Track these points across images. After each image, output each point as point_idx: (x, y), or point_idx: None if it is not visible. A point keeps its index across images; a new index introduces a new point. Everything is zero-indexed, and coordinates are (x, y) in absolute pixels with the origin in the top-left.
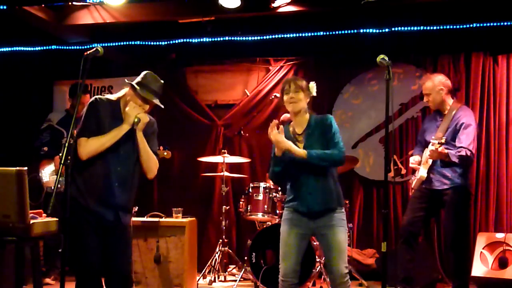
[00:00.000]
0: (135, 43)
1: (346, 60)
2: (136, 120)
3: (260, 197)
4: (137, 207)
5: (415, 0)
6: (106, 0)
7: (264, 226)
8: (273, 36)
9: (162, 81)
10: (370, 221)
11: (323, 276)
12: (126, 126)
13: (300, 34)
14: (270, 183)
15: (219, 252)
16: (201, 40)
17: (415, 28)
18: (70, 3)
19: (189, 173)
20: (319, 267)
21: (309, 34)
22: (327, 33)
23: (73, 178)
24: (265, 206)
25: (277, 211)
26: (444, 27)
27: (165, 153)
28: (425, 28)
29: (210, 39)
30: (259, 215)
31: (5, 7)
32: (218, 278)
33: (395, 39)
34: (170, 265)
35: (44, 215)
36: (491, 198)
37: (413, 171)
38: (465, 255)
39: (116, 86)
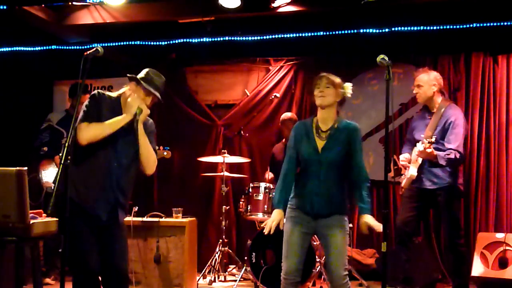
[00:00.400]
0: (135, 43)
1: (346, 60)
2: (138, 111)
3: (260, 197)
4: (137, 207)
5: (415, 0)
6: (106, 0)
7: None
8: (273, 36)
9: (164, 78)
10: None
11: (323, 276)
12: (128, 116)
13: (300, 34)
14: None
15: (219, 252)
16: (201, 40)
17: (415, 28)
18: (70, 3)
19: (189, 173)
20: (319, 267)
21: (309, 34)
22: (327, 33)
23: (73, 175)
24: (265, 206)
25: None
26: (444, 27)
27: (165, 153)
28: (425, 28)
29: (210, 39)
30: (259, 215)
31: (5, 7)
32: (218, 278)
33: (395, 39)
34: (170, 265)
35: (44, 215)
36: (491, 198)
37: (397, 170)
38: (464, 255)
39: (116, 86)
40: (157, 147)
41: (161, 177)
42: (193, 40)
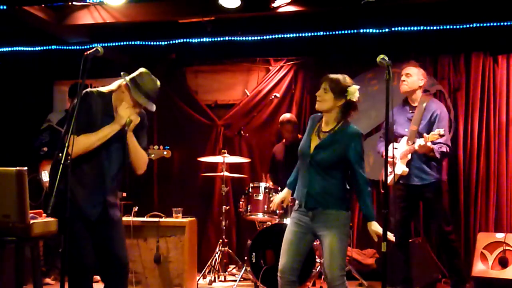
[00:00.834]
0: (135, 43)
1: (346, 60)
2: (128, 121)
3: (260, 197)
4: (137, 207)
5: (415, 0)
6: (106, 0)
7: (264, 226)
8: (273, 36)
9: (159, 82)
10: None
11: (323, 276)
12: (117, 126)
13: (300, 34)
14: (270, 183)
15: (219, 252)
16: (201, 40)
17: (415, 28)
18: (70, 3)
19: (189, 173)
20: (319, 267)
21: (309, 34)
22: (327, 33)
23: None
24: (265, 206)
25: (277, 211)
26: (444, 27)
27: (165, 152)
28: (425, 28)
29: (210, 39)
30: (259, 215)
31: (5, 7)
32: (218, 278)
33: (395, 39)
34: (170, 265)
35: (44, 215)
36: (491, 198)
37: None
38: (457, 250)
39: None
40: (156, 147)
41: (161, 177)
42: (193, 40)
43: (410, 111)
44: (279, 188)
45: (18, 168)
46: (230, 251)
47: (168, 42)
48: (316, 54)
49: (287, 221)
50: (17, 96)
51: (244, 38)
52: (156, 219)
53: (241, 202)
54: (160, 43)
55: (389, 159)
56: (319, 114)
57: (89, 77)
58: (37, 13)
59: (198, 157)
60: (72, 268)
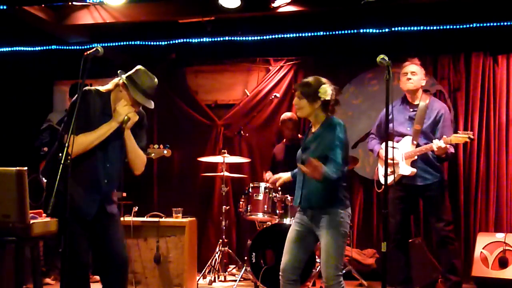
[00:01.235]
0: (135, 43)
1: (346, 60)
2: (125, 118)
3: (260, 197)
4: (137, 207)
5: (415, 0)
6: (106, 0)
7: (264, 226)
8: (273, 36)
9: (156, 79)
10: (370, 221)
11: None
12: (115, 124)
13: (300, 34)
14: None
15: (219, 252)
16: (201, 40)
17: (415, 28)
18: (70, 3)
19: (189, 173)
20: (319, 267)
21: (309, 34)
22: (327, 33)
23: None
24: (265, 206)
25: (277, 211)
26: (444, 27)
27: (165, 151)
28: (425, 28)
29: (210, 39)
30: (259, 215)
31: (5, 7)
32: (218, 278)
33: (395, 39)
34: (170, 265)
35: (44, 215)
36: (491, 198)
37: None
38: (456, 251)
39: None
40: (156, 146)
41: (161, 177)
42: (193, 40)
43: (411, 110)
44: (279, 188)
45: (18, 168)
46: (230, 251)
47: (168, 42)
48: (316, 54)
49: (287, 221)
50: (17, 96)
51: (244, 38)
52: (156, 219)
53: (241, 202)
54: (160, 43)
55: (389, 160)
56: None
57: (89, 77)
58: (37, 13)
59: (198, 157)
60: (68, 267)
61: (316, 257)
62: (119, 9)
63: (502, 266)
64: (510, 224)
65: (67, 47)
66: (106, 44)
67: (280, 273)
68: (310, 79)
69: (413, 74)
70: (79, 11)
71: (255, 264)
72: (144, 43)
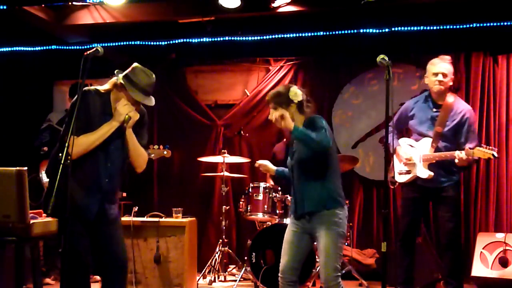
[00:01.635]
0: (135, 43)
1: (346, 60)
2: (126, 117)
3: (260, 197)
4: (137, 207)
5: (415, 0)
6: (106, 0)
7: (264, 226)
8: (273, 36)
9: (153, 75)
10: (370, 221)
11: None
12: (116, 123)
13: (300, 34)
14: (270, 183)
15: (219, 252)
16: (201, 40)
17: (415, 28)
18: (70, 3)
19: (189, 173)
20: (319, 267)
21: (309, 34)
22: (327, 33)
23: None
24: (265, 206)
25: (277, 211)
26: (444, 27)
27: (165, 152)
28: (425, 28)
29: (210, 39)
30: (259, 215)
31: (5, 7)
32: (218, 278)
33: (395, 39)
34: (170, 265)
35: (44, 215)
36: (491, 198)
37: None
38: (462, 255)
39: None
40: (156, 146)
41: (161, 177)
42: (193, 40)
43: (435, 110)
44: (279, 188)
45: (18, 168)
46: (230, 251)
47: (168, 42)
48: (316, 54)
49: (287, 221)
50: (17, 96)
51: (244, 38)
52: (156, 219)
53: (241, 202)
54: (160, 43)
55: (407, 160)
56: None
57: (89, 77)
58: (37, 13)
59: (198, 157)
60: (69, 266)
61: (316, 257)
62: (119, 9)
63: (502, 266)
64: (510, 224)
65: (67, 47)
66: (106, 44)
67: (280, 275)
68: (278, 88)
69: (444, 76)
70: (79, 11)
71: (255, 264)
72: (144, 43)
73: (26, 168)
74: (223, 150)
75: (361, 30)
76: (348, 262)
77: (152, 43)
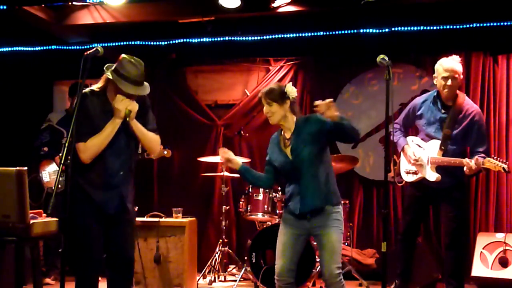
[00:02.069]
0: (135, 43)
1: (346, 60)
2: (127, 112)
3: (260, 197)
4: (137, 207)
5: (415, 0)
6: (106, 0)
7: (264, 226)
8: (273, 36)
9: (142, 63)
10: (370, 221)
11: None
12: (119, 120)
13: (300, 34)
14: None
15: (219, 252)
16: (201, 40)
17: (415, 28)
18: (70, 3)
19: (189, 173)
20: (319, 267)
21: (309, 34)
22: (327, 33)
23: (76, 176)
24: (265, 206)
25: (277, 211)
26: (444, 27)
27: (165, 152)
28: (425, 28)
29: (210, 39)
30: (259, 215)
31: (5, 7)
32: (218, 278)
33: (395, 39)
34: (170, 265)
35: (44, 215)
36: (491, 198)
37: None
38: (464, 255)
39: None
40: None
41: (161, 177)
42: (193, 40)
43: (443, 111)
44: (279, 188)
45: (18, 168)
46: (230, 251)
47: (168, 42)
48: (316, 54)
49: None
50: (17, 96)
51: (244, 38)
52: (156, 219)
53: (241, 202)
54: (160, 43)
55: (415, 161)
56: (275, 133)
57: (89, 77)
58: (37, 13)
59: (198, 157)
60: (80, 264)
61: (316, 257)
62: (119, 9)
63: (502, 266)
64: (510, 224)
65: (67, 47)
66: (106, 44)
67: (276, 277)
68: (271, 85)
69: (454, 80)
70: (79, 11)
71: (255, 264)
72: (144, 43)
73: (26, 168)
74: None
75: (361, 30)
76: (348, 262)
77: (152, 43)
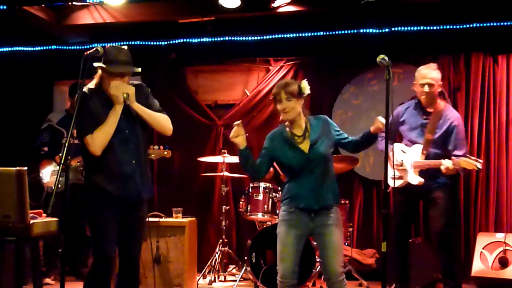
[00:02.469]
0: (135, 43)
1: (346, 60)
2: (125, 96)
3: (260, 197)
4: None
5: (415, 0)
6: (106, 0)
7: (264, 226)
8: (273, 36)
9: (125, 46)
10: (370, 221)
11: (323, 276)
12: (119, 106)
13: (300, 34)
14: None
15: (219, 252)
16: (201, 40)
17: (415, 28)
18: (70, 3)
19: (189, 173)
20: (319, 267)
21: (309, 34)
22: (327, 33)
23: (91, 172)
24: (265, 206)
25: (277, 211)
26: (444, 27)
27: (165, 152)
28: (425, 28)
29: (210, 39)
30: (259, 215)
31: (5, 7)
32: (218, 278)
33: (395, 39)
34: (170, 265)
35: (44, 215)
36: (491, 198)
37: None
38: (454, 253)
39: None
40: (156, 146)
41: (161, 177)
42: (193, 40)
43: (424, 117)
44: (279, 188)
45: (18, 168)
46: (230, 251)
47: (168, 42)
48: (316, 54)
49: None
50: (17, 96)
51: (244, 38)
52: (156, 219)
53: (241, 202)
54: (160, 43)
55: (396, 164)
56: (274, 130)
57: (89, 77)
58: (37, 13)
59: (198, 157)
60: (94, 259)
61: (316, 257)
62: (119, 9)
63: (502, 266)
64: (510, 224)
65: (67, 47)
66: (106, 44)
67: (280, 279)
68: (285, 80)
69: (431, 86)
70: (79, 11)
71: (255, 264)
72: (144, 43)
73: (26, 168)
74: (223, 150)
75: (361, 30)
76: (348, 262)
77: (152, 43)
